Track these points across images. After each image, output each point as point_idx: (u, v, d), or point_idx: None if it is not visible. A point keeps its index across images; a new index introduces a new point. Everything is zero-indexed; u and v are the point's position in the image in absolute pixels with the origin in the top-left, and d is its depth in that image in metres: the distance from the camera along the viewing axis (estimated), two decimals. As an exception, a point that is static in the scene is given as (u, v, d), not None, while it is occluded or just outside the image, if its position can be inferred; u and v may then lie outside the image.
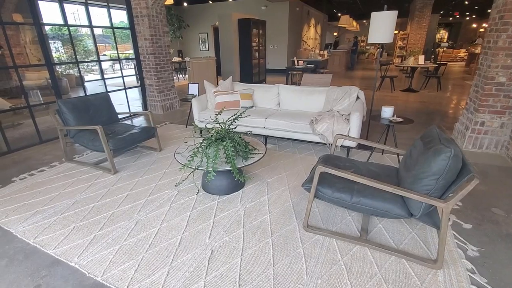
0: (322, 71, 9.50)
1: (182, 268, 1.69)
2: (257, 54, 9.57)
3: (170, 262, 1.73)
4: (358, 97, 3.59)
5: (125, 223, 2.14)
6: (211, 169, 2.13)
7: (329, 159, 2.25)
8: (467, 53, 14.54)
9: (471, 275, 1.59)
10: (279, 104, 4.09)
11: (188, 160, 2.24)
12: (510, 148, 3.20)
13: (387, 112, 3.06)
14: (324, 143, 3.30)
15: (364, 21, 21.48)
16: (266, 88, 4.14)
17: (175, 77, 10.71)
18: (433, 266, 1.62)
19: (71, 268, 1.72)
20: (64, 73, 7.50)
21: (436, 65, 8.46)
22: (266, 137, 3.81)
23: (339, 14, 14.67)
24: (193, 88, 4.62)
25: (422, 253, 1.76)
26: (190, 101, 4.13)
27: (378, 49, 5.15)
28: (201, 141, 2.35)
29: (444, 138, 1.68)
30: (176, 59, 11.31)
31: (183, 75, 11.65)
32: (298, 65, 9.07)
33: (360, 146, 3.57)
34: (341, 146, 3.25)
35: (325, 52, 12.06)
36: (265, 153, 2.54)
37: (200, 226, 2.08)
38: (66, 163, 3.27)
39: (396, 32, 15.84)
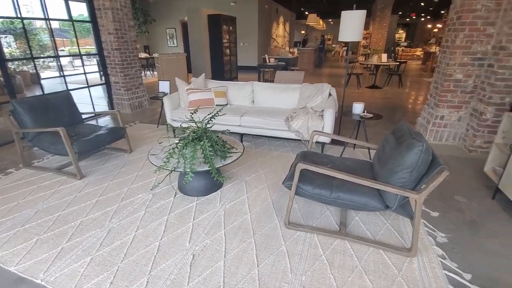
0: (293, 68, 9.65)
1: (162, 276, 1.61)
2: (228, 51, 9.45)
3: (149, 271, 1.65)
4: (330, 94, 3.69)
5: (96, 232, 1.99)
6: (189, 170, 2.06)
7: (307, 155, 2.28)
8: (423, 52, 15.65)
9: (442, 260, 1.71)
10: (253, 101, 4.07)
11: (163, 162, 2.14)
12: (467, 139, 3.50)
13: (358, 108, 3.18)
14: (299, 140, 3.35)
15: (330, 20, 22.17)
16: (240, 85, 4.10)
17: (142, 74, 10.24)
18: (408, 255, 1.71)
19: (37, 285, 1.57)
20: (17, 70, 6.80)
21: (398, 63, 8.98)
22: (242, 135, 3.78)
23: (307, 13, 14.98)
24: (164, 86, 4.43)
25: (397, 243, 1.85)
26: (161, 99, 3.97)
27: (344, 48, 5.32)
28: (176, 141, 2.26)
29: (415, 132, 1.77)
30: (143, 55, 10.81)
31: (151, 72, 11.17)
32: (269, 62, 9.11)
33: (333, 142, 3.67)
34: (316, 142, 3.32)
35: (295, 50, 12.27)
36: (243, 152, 2.51)
37: (179, 230, 2.00)
38: (24, 169, 2.97)
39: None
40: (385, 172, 1.74)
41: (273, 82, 5.52)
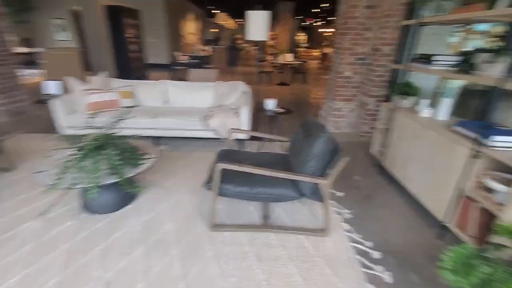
0: (206, 66, 9.53)
1: (67, 316, 1.34)
2: (134, 47, 8.60)
3: (48, 315, 1.34)
4: (244, 91, 3.78)
5: (-39, 283, 1.51)
6: (92, 185, 1.77)
7: (227, 154, 2.28)
8: (320, 53, 17.83)
9: (350, 234, 1.97)
10: (167, 101, 3.82)
11: (56, 179, 1.77)
12: (358, 127, 4.15)
13: (270, 104, 3.37)
14: (219, 138, 3.32)
15: (242, 20, 22.83)
16: (150, 84, 3.79)
17: (22, 73, 8.32)
18: (322, 235, 1.91)
19: None
20: None
21: (301, 62, 9.95)
22: (158, 138, 3.50)
23: (216, 11, 15.02)
24: (53, 87, 3.69)
25: (313, 226, 2.05)
26: (48, 103, 3.30)
27: (254, 47, 5.54)
28: (73, 152, 1.90)
29: (320, 125, 1.98)
30: (21, 49, 8.79)
31: (35, 70, 9.18)
32: (181, 60, 8.74)
33: (253, 137, 3.80)
34: (236, 139, 3.36)
35: (209, 48, 12.14)
36: (158, 157, 2.32)
37: (88, 256, 1.71)
38: None
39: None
40: (298, 162, 1.88)
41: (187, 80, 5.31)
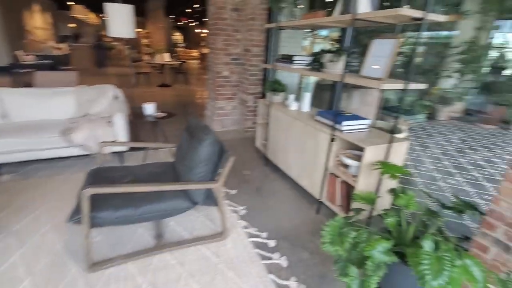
0: (63, 68, 7.85)
1: None
2: None
3: None
4: (116, 96, 3.30)
5: None
6: None
7: (99, 173, 1.90)
8: (199, 53, 17.90)
9: (247, 230, 2.02)
10: (5, 115, 2.87)
11: None
12: (241, 123, 4.37)
13: (149, 109, 3.06)
14: (90, 154, 2.77)
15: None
16: (-33, 96, 2.74)
17: None
18: (222, 238, 1.88)
19: None
20: None
21: (180, 63, 9.66)
22: (-10, 169, 2.58)
23: (71, 3, 12.54)
24: None
25: (212, 231, 1.99)
26: None
27: (127, 46, 4.95)
28: None
29: (203, 127, 1.91)
30: None
31: None
32: (27, 60, 6.85)
33: (134, 148, 3.36)
34: (112, 152, 2.89)
35: (65, 46, 10.01)
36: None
37: None
38: None
39: (140, 30, 16.21)
40: (186, 170, 1.76)
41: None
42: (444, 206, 1.66)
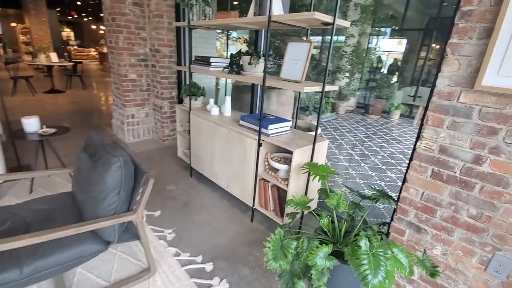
0: None
1: None
2: None
3: None
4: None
5: None
6: None
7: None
8: (98, 52, 15.68)
9: (178, 258, 1.77)
10: None
11: None
12: (158, 131, 3.95)
13: (31, 125, 2.40)
14: None
15: None
16: None
17: None
18: (149, 275, 1.58)
19: None
20: None
21: (73, 63, 8.19)
22: None
23: None
24: None
25: (136, 269, 1.65)
26: None
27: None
28: None
29: (108, 145, 1.56)
30: None
31: None
32: None
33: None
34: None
35: None
36: None
37: None
38: None
39: (15, 24, 13.05)
40: (91, 202, 1.39)
41: None
42: (363, 197, 1.80)
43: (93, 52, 17.73)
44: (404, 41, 10.48)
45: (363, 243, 1.19)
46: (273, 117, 2.12)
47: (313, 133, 3.19)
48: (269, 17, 1.63)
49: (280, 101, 3.94)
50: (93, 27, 20.19)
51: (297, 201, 1.56)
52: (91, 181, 1.43)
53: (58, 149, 2.69)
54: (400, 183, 3.12)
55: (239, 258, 1.81)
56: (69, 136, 3.48)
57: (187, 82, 3.74)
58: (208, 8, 2.30)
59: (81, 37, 20.79)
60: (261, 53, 2.00)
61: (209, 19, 2.36)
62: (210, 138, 2.41)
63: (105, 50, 13.89)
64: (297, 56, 1.79)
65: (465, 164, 1.29)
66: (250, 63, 1.94)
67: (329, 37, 1.53)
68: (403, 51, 10.60)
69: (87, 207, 1.42)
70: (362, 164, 3.63)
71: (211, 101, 2.61)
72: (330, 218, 1.52)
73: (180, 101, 3.78)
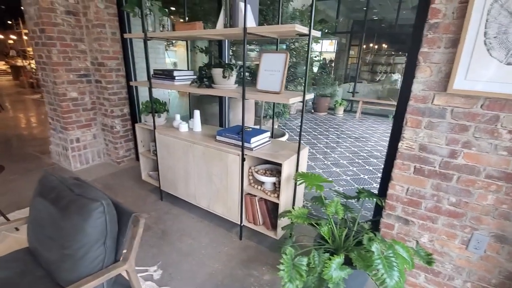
0: None
1: None
2: None
3: None
4: None
5: None
6: None
7: None
8: (10, 66, 13.42)
9: (173, 298, 1.59)
10: None
11: None
12: (111, 153, 3.53)
13: None
14: None
15: None
16: None
17: None
18: (145, 327, 1.38)
19: None
20: None
21: (-19, 82, 6.83)
22: None
23: None
24: None
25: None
26: None
27: None
28: None
29: (74, 184, 1.31)
30: None
31: None
32: None
33: None
34: None
35: None
36: None
37: None
38: None
39: None
40: (67, 260, 1.14)
41: None
42: (348, 198, 1.88)
43: (2, 66, 15.09)
44: (335, 41, 11.45)
45: (375, 248, 1.23)
46: (250, 129, 2.07)
47: (285, 138, 3.23)
48: (245, 29, 1.57)
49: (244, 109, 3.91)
50: (0, 36, 17.18)
51: (296, 214, 1.54)
52: (61, 234, 1.17)
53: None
54: (362, 176, 3.38)
55: (239, 282, 1.71)
56: (5, 177, 2.90)
57: (140, 97, 3.45)
58: (165, 19, 2.13)
59: (-19, 49, 17.49)
60: (233, 64, 1.93)
61: (167, 30, 2.18)
62: (183, 157, 2.24)
63: (20, 63, 11.96)
64: (273, 67, 1.77)
65: (443, 158, 1.44)
66: (224, 76, 1.85)
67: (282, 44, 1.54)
68: (334, 51, 11.60)
69: (61, 267, 1.16)
70: (326, 162, 3.82)
71: (178, 117, 2.42)
72: (330, 226, 1.54)
73: (134, 118, 3.45)
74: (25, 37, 11.51)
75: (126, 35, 2.34)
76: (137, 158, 3.54)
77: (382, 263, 1.19)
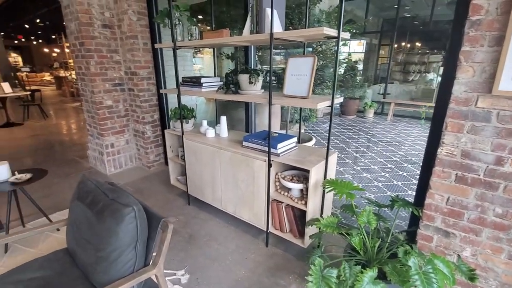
0: None
1: None
2: None
3: None
4: None
5: None
6: None
7: None
8: (53, 77, 14.63)
9: (201, 304, 1.60)
10: None
11: None
12: (142, 158, 3.69)
13: (2, 172, 2.08)
14: None
15: None
16: None
17: None
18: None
19: None
20: None
21: (30, 92, 7.52)
22: None
23: None
24: None
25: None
26: None
27: None
28: None
29: (108, 189, 1.37)
30: None
31: None
32: None
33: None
34: None
35: None
36: None
37: None
38: None
39: None
40: (101, 263, 1.19)
41: None
42: (380, 206, 1.78)
43: (47, 76, 16.54)
44: (364, 42, 11.09)
45: (412, 262, 1.14)
46: (277, 134, 2.05)
47: (312, 143, 3.16)
48: (271, 34, 1.56)
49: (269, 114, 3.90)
50: (46, 50, 18.86)
51: (325, 222, 1.48)
52: (97, 237, 1.23)
53: (34, 196, 2.37)
54: (395, 182, 3.20)
55: (267, 290, 1.68)
56: (46, 181, 3.12)
57: (169, 104, 3.57)
58: (194, 28, 2.18)
59: (30, 62, 19.32)
60: (259, 70, 1.93)
61: (195, 38, 2.24)
62: (211, 162, 2.27)
63: (62, 73, 13.00)
64: (300, 72, 1.74)
65: (488, 166, 1.31)
66: (250, 82, 1.85)
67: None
68: (363, 51, 11.22)
69: (96, 269, 1.21)
70: (355, 167, 3.68)
71: (205, 122, 2.47)
72: (361, 236, 1.46)
73: (164, 124, 3.58)
74: (66, 50, 12.51)
75: (157, 45, 2.44)
76: (166, 163, 3.67)
77: (420, 279, 1.10)
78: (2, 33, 14.25)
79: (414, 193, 3.00)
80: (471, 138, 1.32)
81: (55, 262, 1.40)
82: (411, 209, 1.59)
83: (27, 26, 13.19)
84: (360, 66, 10.14)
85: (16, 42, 17.75)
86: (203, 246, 2.09)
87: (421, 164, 1.71)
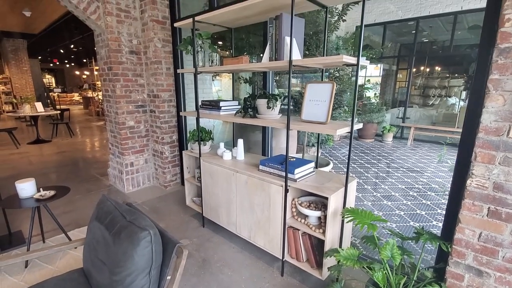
0: None
1: None
2: None
3: None
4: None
5: None
6: None
7: None
8: (82, 97, 15.55)
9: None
10: None
11: None
12: (159, 177, 3.74)
13: (26, 189, 2.17)
14: None
15: None
16: None
17: None
18: None
19: None
20: None
21: (60, 111, 7.98)
22: None
23: None
24: None
25: None
26: None
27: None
28: None
29: (126, 210, 1.38)
30: None
31: None
32: None
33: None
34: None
35: None
36: None
37: None
38: None
39: (-7, 75, 12.83)
40: (115, 287, 1.18)
41: None
42: (404, 238, 1.67)
43: (76, 97, 17.62)
44: (380, 66, 11.08)
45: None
46: (294, 158, 2.02)
47: (329, 167, 3.10)
48: (290, 61, 1.59)
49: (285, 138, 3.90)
50: (77, 72, 20.23)
51: (345, 255, 1.40)
52: (112, 259, 1.23)
53: (56, 213, 2.44)
54: (418, 212, 3.03)
55: (280, 325, 1.58)
56: (68, 198, 3.22)
57: (188, 125, 3.66)
58: (214, 54, 2.27)
59: (63, 83, 20.73)
60: (277, 95, 1.95)
61: (216, 64, 2.32)
62: (227, 185, 2.26)
63: (90, 94, 13.78)
64: (318, 97, 1.74)
65: (525, 200, 1.21)
66: (268, 107, 1.87)
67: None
68: (380, 75, 11.18)
69: (109, 291, 1.20)
70: (375, 193, 3.54)
71: (222, 145, 2.49)
72: (385, 272, 1.36)
73: (182, 144, 3.66)
74: (95, 72, 13.36)
75: (179, 71, 2.55)
76: (182, 183, 3.70)
77: (454, 326, 0.99)
78: (39, 57, 15.52)
79: (439, 224, 2.83)
80: (504, 170, 1.24)
81: (69, 282, 1.40)
82: (438, 243, 1.49)
83: (62, 51, 14.29)
84: (371, 93, 10.02)
85: (51, 65, 19.20)
86: (216, 272, 2.03)
87: (446, 193, 1.61)
